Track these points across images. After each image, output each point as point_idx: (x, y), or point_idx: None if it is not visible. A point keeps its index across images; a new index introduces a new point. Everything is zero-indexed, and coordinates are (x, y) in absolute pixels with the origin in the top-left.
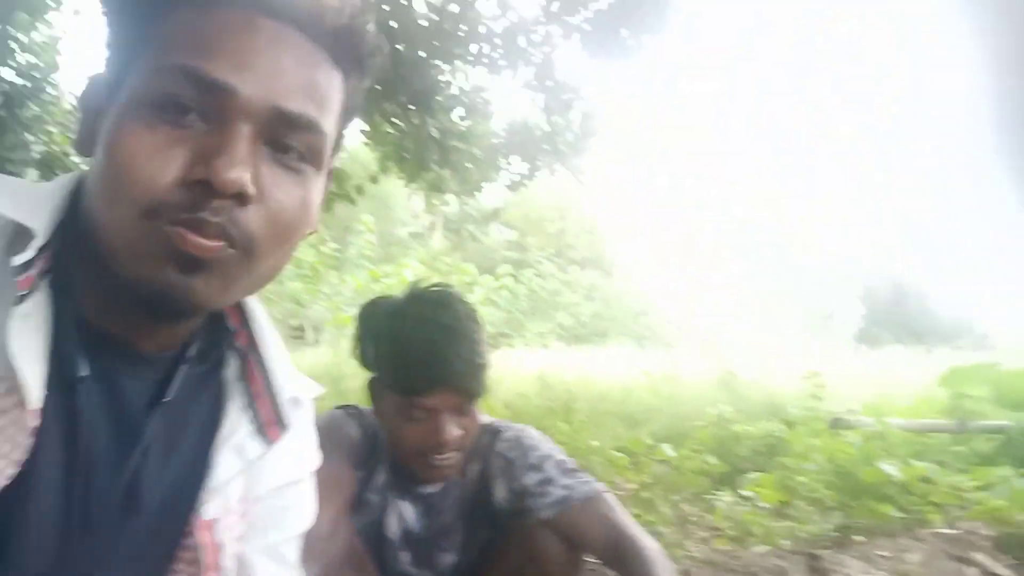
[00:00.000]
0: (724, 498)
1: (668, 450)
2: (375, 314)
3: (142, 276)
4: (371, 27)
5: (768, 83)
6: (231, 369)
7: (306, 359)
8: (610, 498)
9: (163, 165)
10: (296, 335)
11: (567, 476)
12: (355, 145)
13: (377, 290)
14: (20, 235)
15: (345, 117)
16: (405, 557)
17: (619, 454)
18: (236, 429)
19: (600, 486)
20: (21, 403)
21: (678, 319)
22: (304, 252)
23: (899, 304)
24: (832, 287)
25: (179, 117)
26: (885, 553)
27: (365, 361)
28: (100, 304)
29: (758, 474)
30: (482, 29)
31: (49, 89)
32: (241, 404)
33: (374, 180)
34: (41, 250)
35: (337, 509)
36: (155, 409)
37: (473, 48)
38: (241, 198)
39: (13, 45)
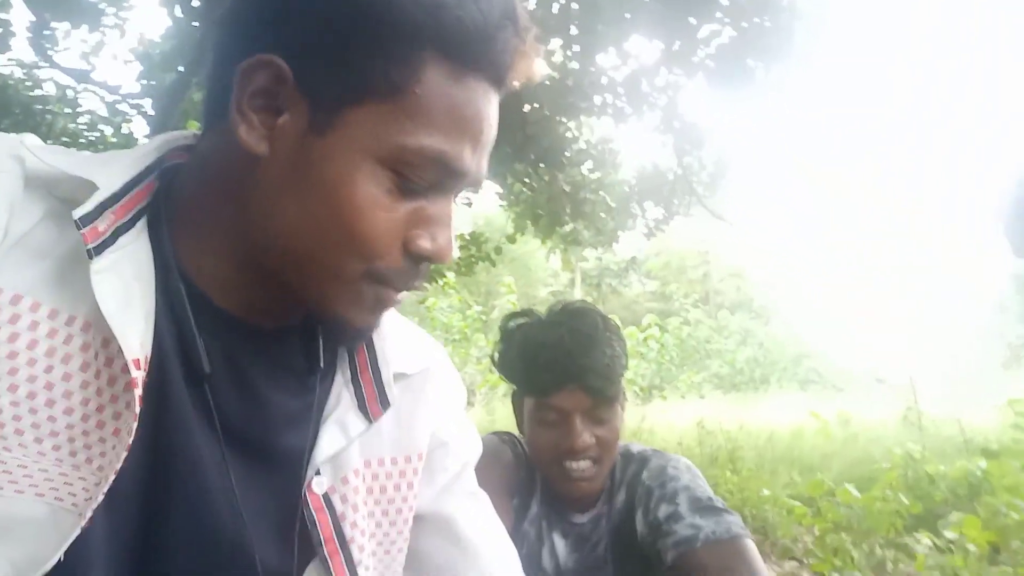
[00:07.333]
0: (923, 542)
1: (853, 491)
2: (515, 322)
3: (345, 317)
4: None
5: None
6: None
7: None
8: (746, 544)
9: (395, 233)
10: None
11: (698, 514)
12: (490, 208)
13: None
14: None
15: None
16: None
17: (795, 502)
18: (339, 402)
19: (738, 530)
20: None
21: (847, 360)
22: (451, 317)
23: None
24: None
25: (413, 188)
26: None
27: (503, 369)
28: (229, 287)
29: (960, 515)
30: (604, 80)
31: None
32: (345, 378)
33: (511, 240)
34: (114, 208)
35: None
36: (275, 382)
37: (597, 100)
38: None
39: None
